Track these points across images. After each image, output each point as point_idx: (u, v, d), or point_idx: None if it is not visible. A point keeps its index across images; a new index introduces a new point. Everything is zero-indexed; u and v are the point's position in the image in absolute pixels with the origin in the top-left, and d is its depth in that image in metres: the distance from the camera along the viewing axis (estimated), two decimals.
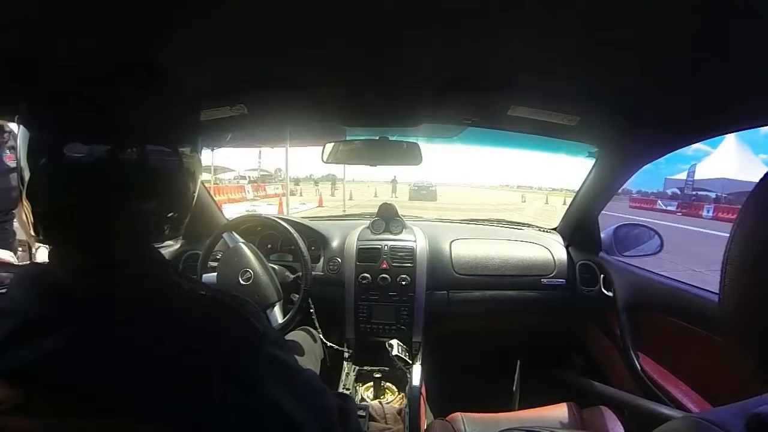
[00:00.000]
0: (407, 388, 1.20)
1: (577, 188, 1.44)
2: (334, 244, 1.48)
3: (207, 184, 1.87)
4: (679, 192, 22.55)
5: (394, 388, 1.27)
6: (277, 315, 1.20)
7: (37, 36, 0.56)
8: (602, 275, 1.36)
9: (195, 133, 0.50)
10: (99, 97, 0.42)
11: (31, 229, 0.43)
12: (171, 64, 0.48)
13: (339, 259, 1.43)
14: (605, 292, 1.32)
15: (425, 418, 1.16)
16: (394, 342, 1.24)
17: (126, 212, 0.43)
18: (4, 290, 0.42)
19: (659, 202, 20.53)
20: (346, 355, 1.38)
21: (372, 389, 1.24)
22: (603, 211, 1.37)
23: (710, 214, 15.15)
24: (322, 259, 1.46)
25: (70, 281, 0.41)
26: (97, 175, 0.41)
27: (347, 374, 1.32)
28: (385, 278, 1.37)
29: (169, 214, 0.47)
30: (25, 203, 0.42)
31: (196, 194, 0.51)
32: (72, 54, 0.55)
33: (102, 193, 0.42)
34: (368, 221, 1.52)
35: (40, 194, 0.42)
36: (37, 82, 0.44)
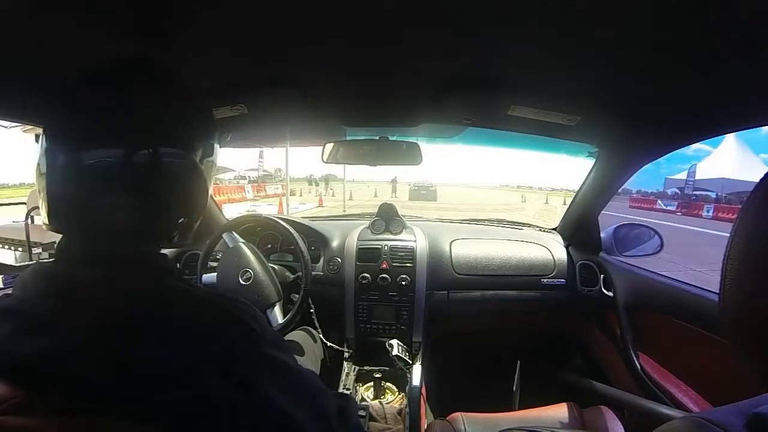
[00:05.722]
0: (407, 388, 1.20)
1: (577, 188, 1.44)
2: (334, 244, 1.48)
3: None
4: (679, 192, 22.54)
5: (394, 388, 1.27)
6: (277, 315, 1.20)
7: (42, 41, 0.56)
8: (602, 275, 1.36)
9: (207, 135, 0.50)
10: (109, 99, 0.43)
11: (46, 219, 0.44)
12: (171, 65, 0.48)
13: (339, 259, 1.43)
14: (605, 292, 1.32)
15: (425, 418, 1.15)
16: (394, 342, 1.24)
17: (130, 211, 0.44)
18: (9, 290, 0.43)
19: (659, 201, 20.52)
20: (346, 355, 1.38)
21: (372, 389, 1.24)
22: (603, 211, 1.37)
23: (710, 214, 15.15)
24: (322, 259, 1.45)
25: (73, 280, 0.41)
26: (105, 176, 0.42)
27: (347, 374, 1.32)
28: (385, 278, 1.37)
29: (179, 218, 0.48)
30: (41, 196, 0.44)
31: (206, 196, 0.51)
32: (77, 56, 0.55)
33: (109, 194, 0.42)
34: (368, 221, 1.52)
35: (54, 191, 0.43)
36: (49, 86, 0.44)
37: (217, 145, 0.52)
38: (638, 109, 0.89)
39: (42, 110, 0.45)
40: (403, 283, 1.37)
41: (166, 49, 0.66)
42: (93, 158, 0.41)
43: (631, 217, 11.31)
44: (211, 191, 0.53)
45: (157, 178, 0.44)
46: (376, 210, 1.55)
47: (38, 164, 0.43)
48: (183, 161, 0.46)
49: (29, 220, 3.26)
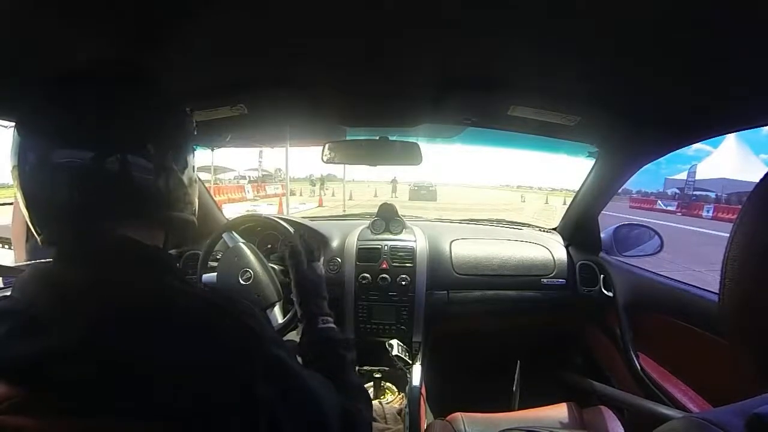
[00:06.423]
0: (407, 388, 1.20)
1: (577, 188, 1.44)
2: (334, 244, 1.48)
3: (207, 184, 1.87)
4: (679, 192, 22.52)
5: (394, 388, 1.27)
6: (277, 315, 1.20)
7: (41, 42, 0.56)
8: (602, 275, 1.36)
9: (185, 137, 0.51)
10: (85, 103, 0.43)
11: (32, 228, 0.44)
12: (171, 65, 0.48)
13: (339, 259, 1.43)
14: (605, 292, 1.32)
15: (425, 418, 1.15)
16: (394, 342, 1.24)
17: (115, 211, 0.44)
18: (8, 293, 0.43)
19: (659, 202, 20.51)
20: None
21: (372, 389, 1.24)
22: (603, 211, 1.37)
23: (710, 214, 15.14)
24: (322, 259, 1.45)
25: (69, 280, 0.41)
26: (82, 179, 0.42)
27: None
28: (385, 278, 1.37)
29: (167, 216, 0.48)
30: (21, 203, 0.43)
31: (191, 194, 0.51)
32: (77, 58, 0.55)
33: (89, 198, 0.42)
34: (368, 221, 1.52)
35: (32, 196, 0.43)
36: (29, 88, 0.44)
37: (193, 146, 0.53)
38: (638, 109, 0.89)
39: (23, 109, 0.45)
40: (403, 283, 1.37)
41: (166, 50, 0.66)
42: (69, 157, 0.41)
43: (631, 217, 11.30)
44: (195, 187, 0.53)
45: (138, 177, 0.44)
46: (376, 210, 1.54)
47: (14, 167, 0.43)
48: (162, 161, 0.46)
49: None
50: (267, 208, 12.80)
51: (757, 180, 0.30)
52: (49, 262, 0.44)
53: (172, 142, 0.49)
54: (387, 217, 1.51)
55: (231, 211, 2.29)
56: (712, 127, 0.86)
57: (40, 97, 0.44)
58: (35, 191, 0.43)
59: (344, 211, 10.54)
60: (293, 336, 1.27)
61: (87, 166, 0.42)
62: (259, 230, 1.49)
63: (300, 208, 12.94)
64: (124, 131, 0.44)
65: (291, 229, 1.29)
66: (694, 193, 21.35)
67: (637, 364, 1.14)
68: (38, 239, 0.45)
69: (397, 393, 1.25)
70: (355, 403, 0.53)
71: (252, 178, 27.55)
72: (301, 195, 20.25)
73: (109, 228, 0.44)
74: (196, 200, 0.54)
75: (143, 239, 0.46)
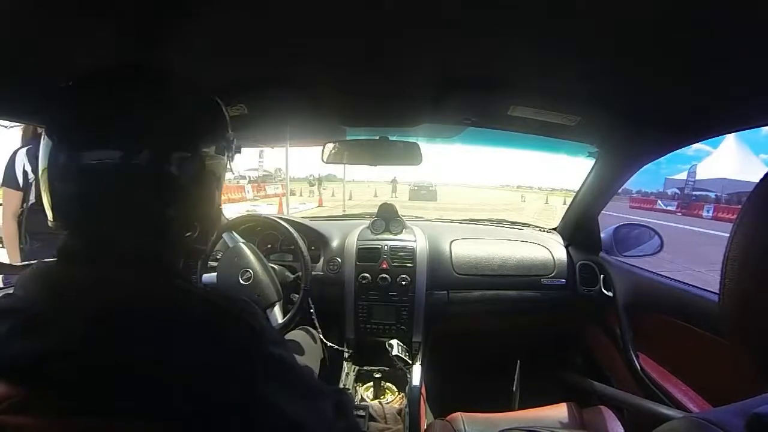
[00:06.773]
0: (407, 388, 1.20)
1: (577, 188, 1.44)
2: (334, 244, 1.48)
3: None
4: (679, 192, 22.51)
5: (394, 388, 1.27)
6: (277, 315, 1.20)
7: (42, 41, 0.56)
8: (602, 275, 1.36)
9: (209, 137, 0.49)
10: (108, 102, 0.43)
11: (50, 217, 0.45)
12: (171, 65, 0.48)
13: (339, 259, 1.43)
14: (605, 292, 1.32)
15: (425, 418, 1.16)
16: (394, 342, 1.24)
17: (131, 213, 0.44)
18: (10, 290, 0.43)
19: (659, 202, 20.52)
20: (346, 355, 1.38)
21: (372, 389, 1.24)
22: (603, 211, 1.37)
23: (710, 214, 15.16)
24: (322, 259, 1.45)
25: (70, 279, 0.41)
26: (100, 177, 0.42)
27: (347, 374, 1.32)
28: (385, 278, 1.37)
29: (182, 219, 0.47)
30: (44, 194, 0.44)
31: (209, 199, 0.50)
32: (77, 57, 0.55)
33: (105, 195, 0.42)
34: (368, 221, 1.52)
35: (54, 191, 0.43)
36: (49, 87, 0.44)
37: (223, 145, 0.51)
38: (638, 109, 0.89)
39: (42, 110, 0.45)
40: (403, 283, 1.37)
41: (166, 50, 0.66)
42: (90, 159, 0.41)
43: (631, 217, 11.30)
44: (219, 193, 0.52)
45: (151, 179, 0.43)
46: (375, 210, 1.55)
47: (40, 162, 0.43)
48: (182, 163, 0.45)
49: None
50: (267, 208, 12.79)
51: (757, 180, 0.30)
52: (51, 261, 0.44)
53: (197, 146, 0.47)
54: (387, 217, 1.51)
55: (231, 211, 2.29)
56: (712, 127, 0.86)
57: (56, 97, 0.44)
58: (53, 187, 0.43)
59: (344, 211, 10.54)
60: (293, 336, 1.27)
61: (93, 167, 0.41)
62: (259, 230, 1.49)
63: (300, 208, 12.93)
64: (134, 135, 0.43)
65: (291, 229, 1.29)
66: (694, 193, 21.34)
67: (637, 364, 1.14)
68: (49, 223, 0.45)
69: (397, 393, 1.25)
70: (342, 397, 0.54)
71: (252, 178, 27.52)
72: (300, 195, 20.24)
73: (112, 231, 0.44)
74: (218, 218, 0.53)
75: (149, 247, 0.46)
